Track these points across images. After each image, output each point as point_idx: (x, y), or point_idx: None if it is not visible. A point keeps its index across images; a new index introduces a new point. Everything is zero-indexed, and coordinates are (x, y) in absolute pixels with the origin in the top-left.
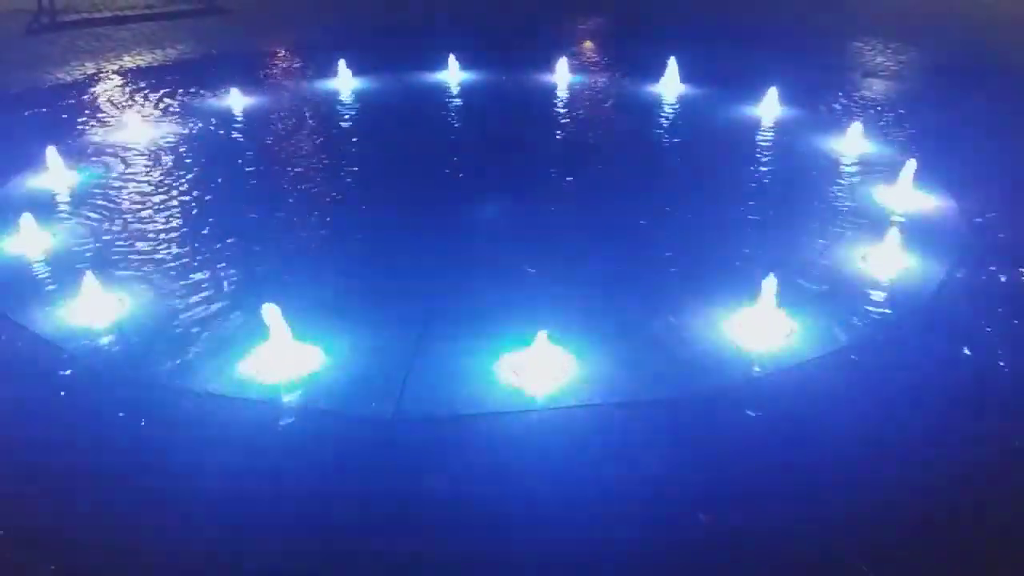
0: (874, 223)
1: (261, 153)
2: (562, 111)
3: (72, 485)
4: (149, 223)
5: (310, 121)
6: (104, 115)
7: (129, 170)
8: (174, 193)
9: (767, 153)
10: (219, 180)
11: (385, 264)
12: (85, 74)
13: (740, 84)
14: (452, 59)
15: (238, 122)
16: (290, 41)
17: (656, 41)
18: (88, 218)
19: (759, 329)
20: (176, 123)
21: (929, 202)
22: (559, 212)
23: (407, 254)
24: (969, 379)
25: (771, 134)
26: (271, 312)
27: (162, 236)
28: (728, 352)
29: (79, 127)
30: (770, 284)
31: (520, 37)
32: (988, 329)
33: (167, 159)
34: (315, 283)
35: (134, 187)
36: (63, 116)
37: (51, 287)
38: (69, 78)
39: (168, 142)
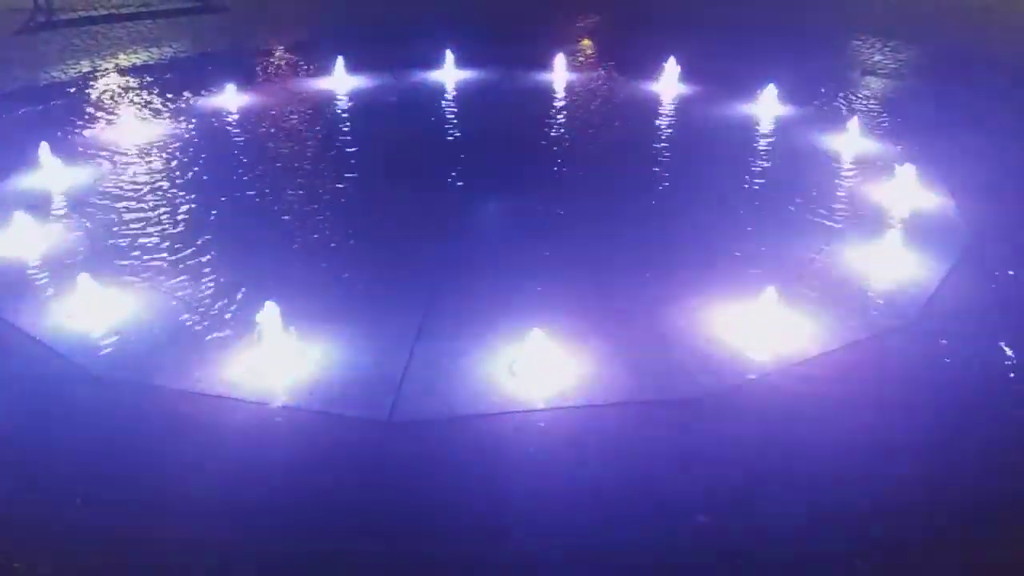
0: (872, 221)
1: (257, 152)
2: (560, 109)
3: (68, 485)
4: (144, 222)
5: (307, 120)
6: (100, 113)
7: (124, 169)
8: (169, 192)
9: (765, 151)
10: (215, 179)
11: (381, 264)
12: (81, 72)
13: (738, 82)
14: (449, 57)
15: (234, 121)
16: (286, 39)
17: (654, 39)
18: (82, 217)
19: (759, 329)
20: (172, 122)
21: (927, 200)
22: (556, 211)
23: (403, 254)
24: (970, 378)
25: (769, 132)
26: (269, 313)
27: (157, 235)
28: (728, 352)
29: (75, 125)
30: (769, 288)
31: (518, 35)
32: (988, 327)
33: (162, 158)
34: (311, 282)
35: (129, 186)
36: (59, 114)
37: (45, 287)
38: (65, 76)
39: (164, 141)
